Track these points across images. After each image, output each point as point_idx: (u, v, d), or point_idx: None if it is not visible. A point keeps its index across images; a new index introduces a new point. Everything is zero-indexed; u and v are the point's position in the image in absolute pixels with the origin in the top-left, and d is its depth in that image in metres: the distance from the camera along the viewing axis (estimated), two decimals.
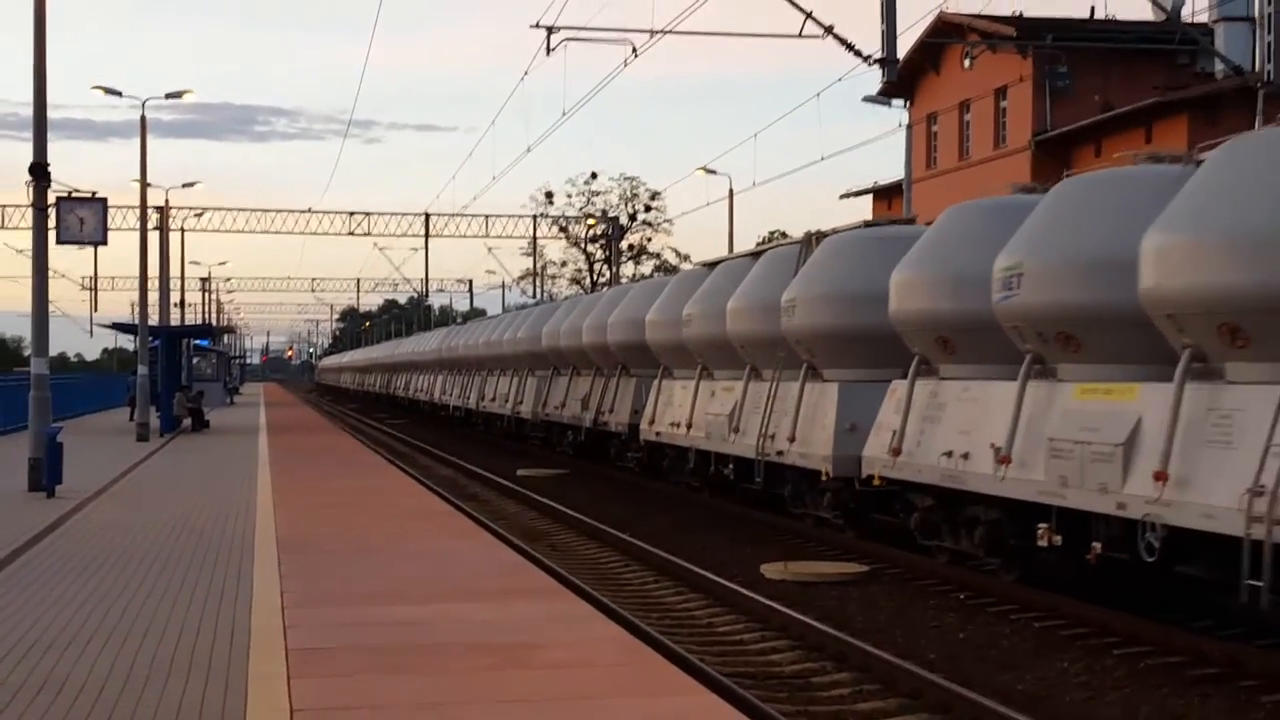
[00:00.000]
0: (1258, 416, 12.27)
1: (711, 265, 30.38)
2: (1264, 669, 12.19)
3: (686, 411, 27.95)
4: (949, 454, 17.32)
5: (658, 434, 29.94)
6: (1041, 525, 15.50)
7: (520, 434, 47.57)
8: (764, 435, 23.27)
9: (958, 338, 18.15)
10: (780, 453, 22.65)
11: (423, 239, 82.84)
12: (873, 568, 18.66)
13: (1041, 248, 16.06)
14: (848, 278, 21.61)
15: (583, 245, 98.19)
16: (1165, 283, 13.72)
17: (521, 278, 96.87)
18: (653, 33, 35.95)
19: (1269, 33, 27.46)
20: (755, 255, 27.77)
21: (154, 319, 49.55)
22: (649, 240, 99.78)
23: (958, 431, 17.39)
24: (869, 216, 56.64)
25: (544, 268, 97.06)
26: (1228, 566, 12.48)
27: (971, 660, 13.31)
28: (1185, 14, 41.54)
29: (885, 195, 57.24)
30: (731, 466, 25.43)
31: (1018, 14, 43.26)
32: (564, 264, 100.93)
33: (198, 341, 66.99)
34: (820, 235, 23.92)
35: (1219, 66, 37.98)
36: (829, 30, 31.55)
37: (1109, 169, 17.47)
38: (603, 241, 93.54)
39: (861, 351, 21.36)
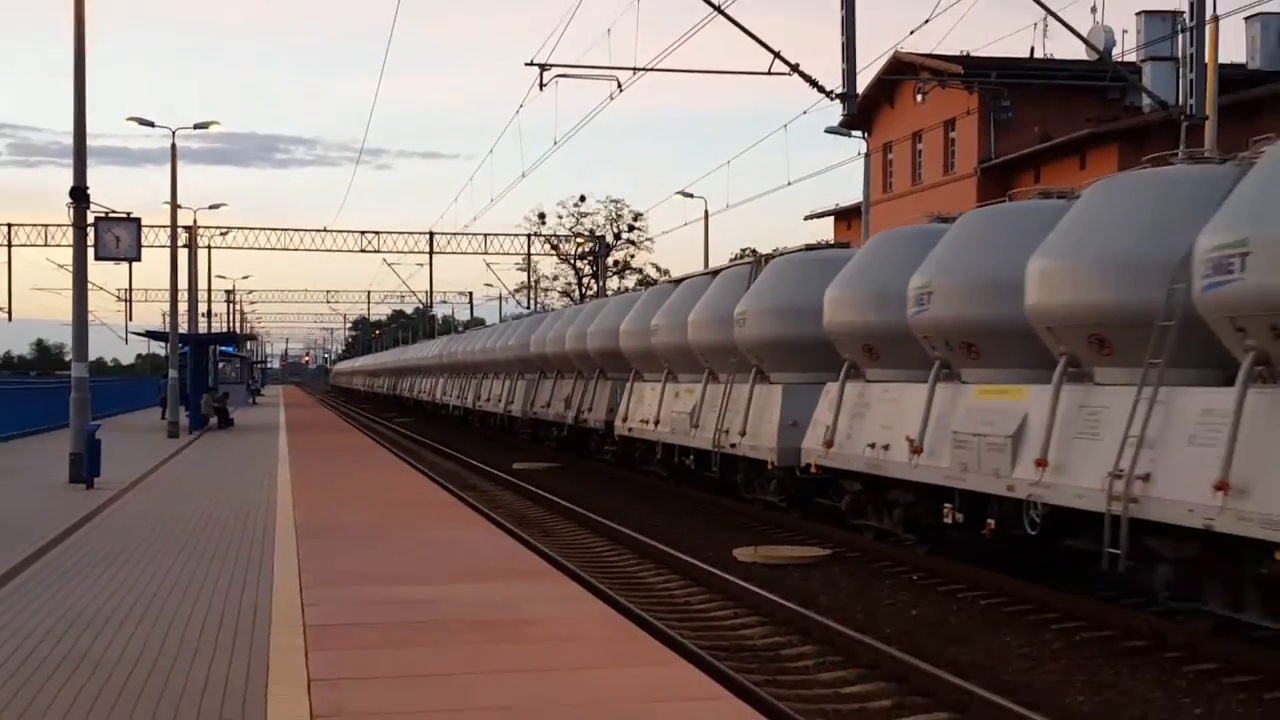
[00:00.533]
0: (1119, 413, 13.31)
1: (676, 282, 31.52)
2: (1184, 642, 12.30)
3: (654, 410, 28.90)
4: (873, 446, 18.32)
5: (630, 429, 30.85)
6: (947, 505, 16.58)
7: (512, 430, 48.01)
8: (719, 430, 24.27)
9: (880, 346, 19.30)
10: (733, 445, 23.62)
11: (427, 255, 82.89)
12: (834, 551, 18.76)
13: (948, 270, 17.08)
14: (790, 294, 22.69)
15: (572, 261, 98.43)
16: (1046, 300, 14.80)
17: (517, 290, 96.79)
18: (635, 70, 36.15)
19: (1190, 71, 27.69)
20: (713, 274, 28.72)
21: (183, 327, 49.32)
22: (632, 257, 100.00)
23: (880, 426, 18.38)
24: (831, 236, 56.81)
25: (537, 282, 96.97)
26: (1096, 538, 13.36)
27: (924, 634, 13.39)
28: (1116, 54, 41.66)
29: (845, 216, 57.27)
30: (692, 457, 26.55)
31: (965, 53, 43.36)
32: (555, 278, 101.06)
33: (223, 348, 66.75)
34: (768, 257, 25.31)
35: (1146, 101, 38.12)
36: (795, 68, 31.70)
37: (1003, 204, 18.42)
38: (590, 258, 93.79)
39: (801, 358, 22.38)
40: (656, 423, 28.55)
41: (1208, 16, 28.18)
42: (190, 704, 8.20)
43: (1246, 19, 45.45)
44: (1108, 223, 14.48)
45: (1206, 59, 27.46)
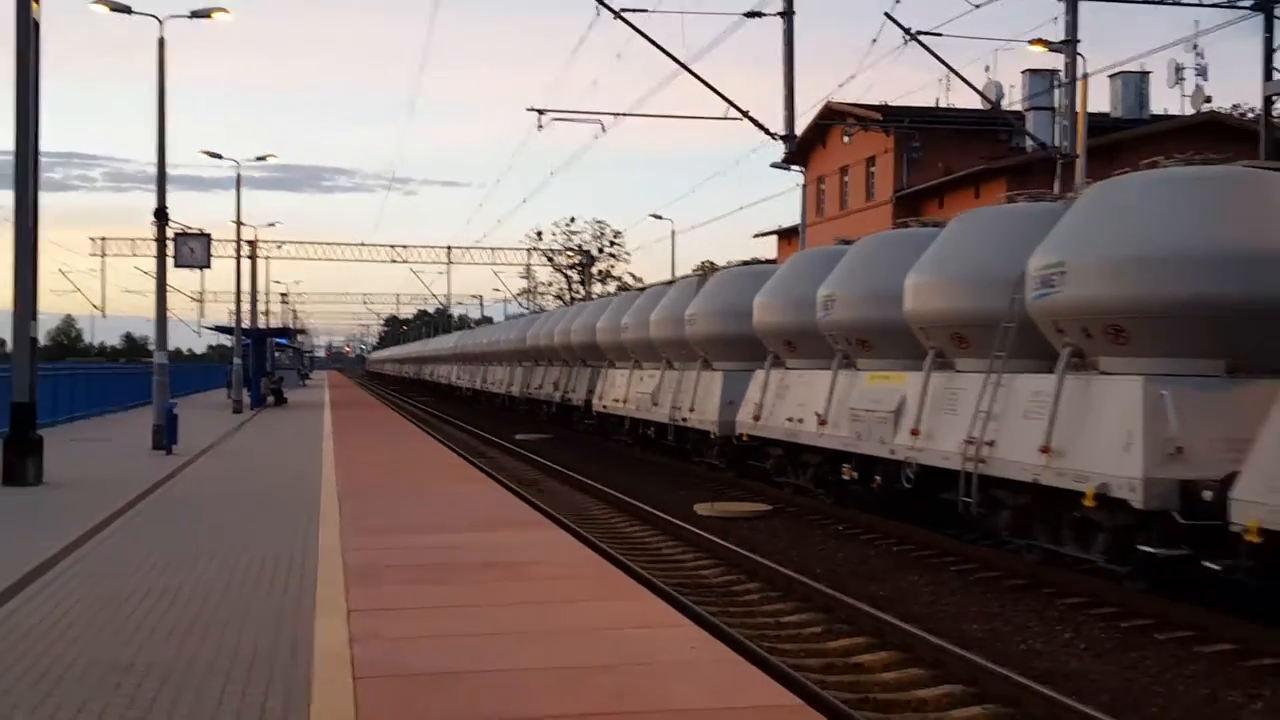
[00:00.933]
0: (973, 393, 14.05)
1: (642, 290, 32.99)
2: (1058, 580, 12.34)
3: (624, 391, 29.82)
4: (790, 419, 19.11)
5: (604, 406, 31.74)
6: (846, 465, 17.34)
7: (512, 407, 48.56)
8: (674, 407, 25.25)
9: (796, 341, 20.13)
10: (684, 419, 24.54)
11: (446, 265, 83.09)
12: (775, 507, 18.78)
13: (847, 282, 18.03)
14: (729, 300, 23.56)
15: (564, 270, 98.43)
16: (920, 307, 15.59)
17: (519, 294, 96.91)
18: (616, 115, 36.37)
19: (1064, 119, 27.91)
20: (670, 283, 29.91)
21: (246, 323, 49.14)
22: (612, 267, 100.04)
23: (796, 404, 19.17)
24: (775, 252, 56.78)
25: (535, 287, 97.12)
26: (955, 490, 14.00)
27: (847, 574, 13.42)
28: (1005, 104, 41.75)
29: (787, 235, 57.20)
30: (653, 429, 27.42)
31: (883, 103, 43.36)
32: (550, 284, 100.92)
33: (278, 340, 66.44)
34: (712, 271, 26.74)
35: (1029, 143, 38.26)
36: (745, 114, 31.76)
37: (888, 231, 20.12)
38: (578, 268, 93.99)
39: (737, 350, 23.14)
40: (625, 401, 29.39)
41: (1078, 75, 28.35)
42: (251, 629, 8.19)
43: (1110, 77, 45.64)
44: (965, 247, 15.26)
45: (1077, 109, 27.58)
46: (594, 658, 7.41)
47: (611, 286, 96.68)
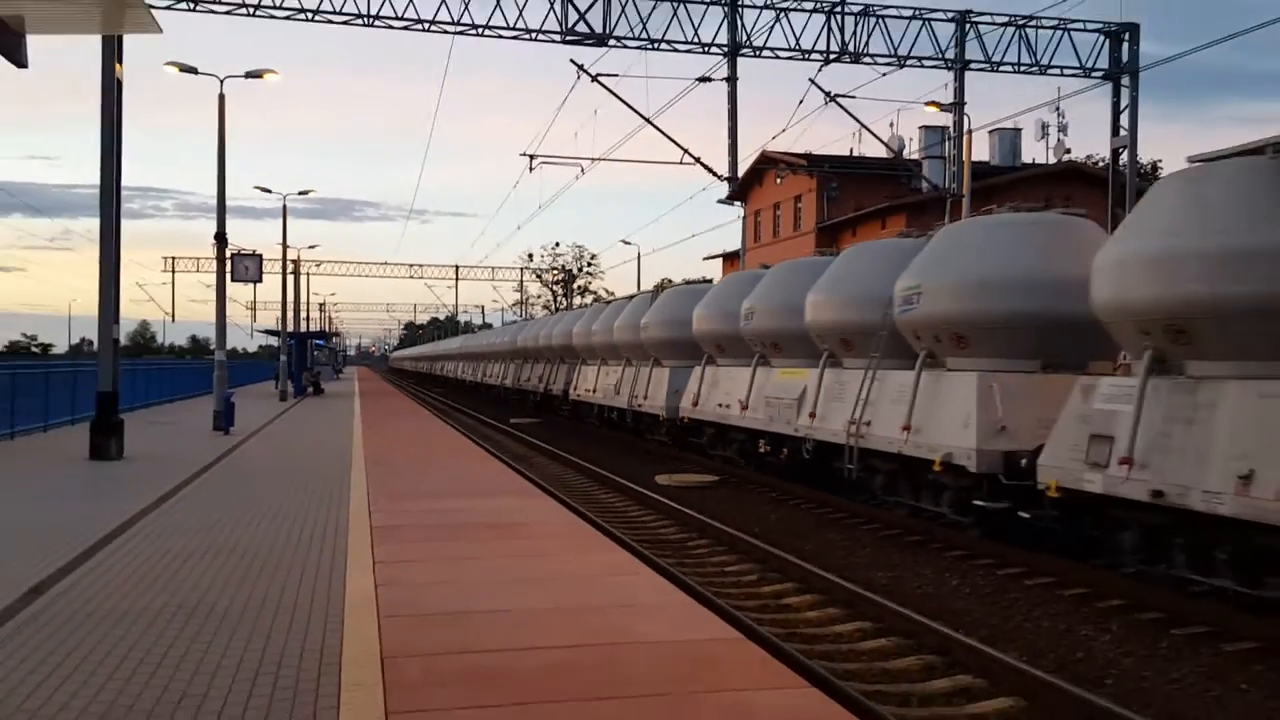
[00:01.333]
0: (855, 385, 14.94)
1: (607, 303, 33.44)
2: (947, 539, 12.43)
3: (593, 383, 30.28)
4: (720, 405, 19.92)
5: (578, 395, 32.20)
6: (762, 441, 18.08)
7: (505, 397, 48.58)
8: (632, 396, 25.87)
9: (726, 345, 20.71)
10: (640, 405, 25.28)
11: (454, 281, 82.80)
12: (722, 478, 18.80)
13: (764, 299, 18.82)
14: (674, 312, 24.33)
15: (550, 286, 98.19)
16: (817, 319, 16.36)
17: (513, 305, 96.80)
18: (594, 159, 36.42)
19: (953, 166, 28.09)
20: (630, 299, 30.22)
21: (290, 327, 48.73)
22: (590, 283, 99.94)
23: (725, 394, 19.88)
24: (721, 272, 56.78)
25: (526, 299, 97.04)
26: (841, 460, 14.91)
27: (779, 532, 13.46)
28: (906, 153, 42.00)
29: (730, 258, 57.36)
30: (615, 413, 28.08)
31: (808, 152, 43.55)
32: (539, 297, 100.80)
33: (317, 341, 65.76)
34: (662, 288, 27.19)
35: (925, 185, 38.51)
36: (697, 160, 31.85)
37: (797, 259, 20.89)
38: (562, 284, 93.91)
39: (681, 351, 23.85)
40: (594, 391, 29.84)
41: (964, 131, 28.54)
42: (294, 577, 8.15)
43: (989, 132, 46.01)
44: (851, 273, 15.98)
45: (963, 158, 27.78)
46: (578, 600, 7.42)
47: (589, 299, 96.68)
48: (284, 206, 48.18)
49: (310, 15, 28.31)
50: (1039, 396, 11.79)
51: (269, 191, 46.86)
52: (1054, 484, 10.36)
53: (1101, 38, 31.98)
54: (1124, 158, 31.31)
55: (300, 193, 49.02)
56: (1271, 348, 8.91)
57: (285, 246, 47.13)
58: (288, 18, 28.34)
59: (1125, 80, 31.65)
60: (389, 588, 7.71)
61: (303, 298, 64.93)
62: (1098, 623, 8.96)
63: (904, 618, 8.74)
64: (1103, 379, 10.48)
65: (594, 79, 30.53)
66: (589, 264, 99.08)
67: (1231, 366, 9.12)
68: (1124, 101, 31.65)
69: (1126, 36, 31.95)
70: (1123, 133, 31.38)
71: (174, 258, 74.25)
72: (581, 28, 29.58)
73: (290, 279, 49.63)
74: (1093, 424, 10.05)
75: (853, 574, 10.75)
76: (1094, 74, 31.95)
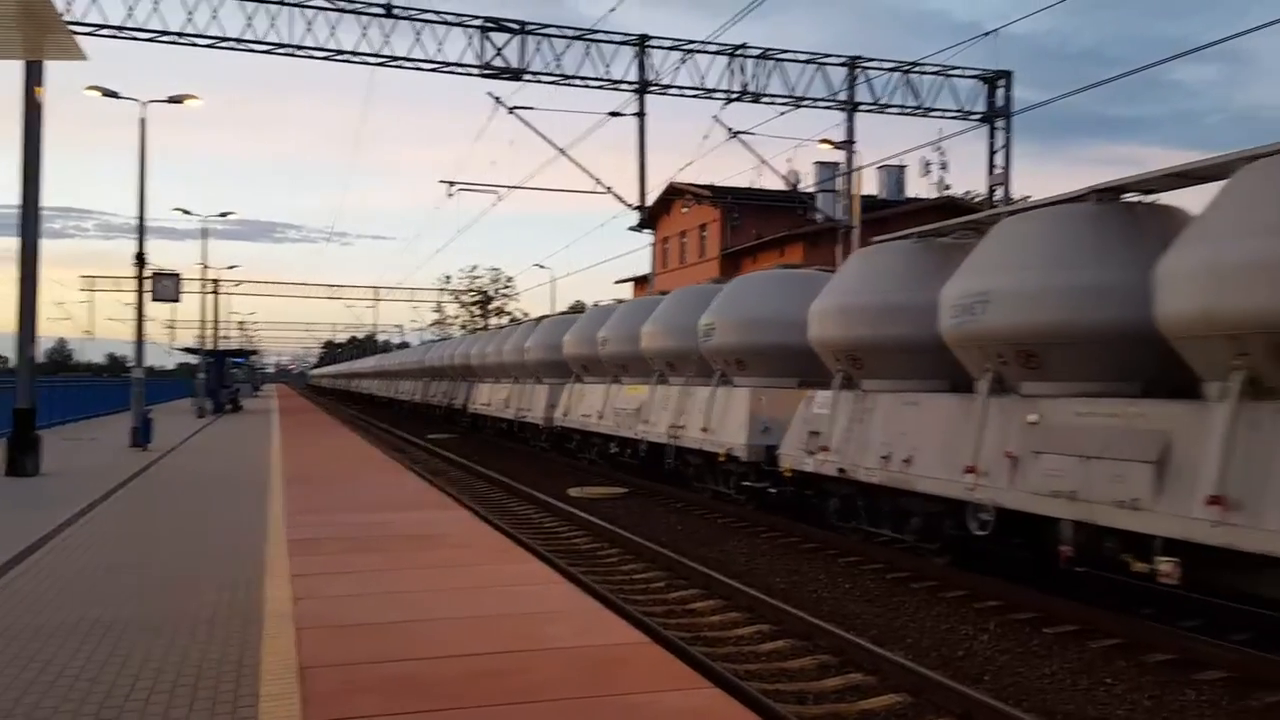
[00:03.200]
0: (674, 398, 17.79)
1: (517, 324, 34.76)
2: (838, 544, 12.64)
3: (487, 398, 32.13)
4: (583, 415, 22.24)
5: (475, 408, 33.94)
6: (612, 444, 20.66)
7: (414, 413, 48.64)
8: (518, 408, 27.86)
9: (589, 366, 22.93)
10: (524, 416, 27.29)
11: (374, 301, 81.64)
12: (630, 490, 18.83)
13: (614, 329, 21.19)
14: (549, 338, 26.55)
15: (468, 307, 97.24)
16: (649, 346, 19.01)
17: (430, 325, 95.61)
18: (510, 187, 36.41)
19: (845, 199, 28.74)
20: (539, 320, 30.81)
21: (209, 345, 47.38)
22: (506, 305, 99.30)
23: (587, 405, 22.25)
24: (631, 295, 56.94)
25: (444, 320, 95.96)
26: (698, 463, 17.07)
27: (685, 541, 13.53)
28: (803, 186, 42.78)
29: (640, 282, 57.56)
30: (505, 423, 29.78)
31: (712, 184, 44.07)
32: (457, 318, 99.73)
33: (235, 359, 64.06)
34: (577, 309, 29.47)
35: (820, 216, 39.27)
36: (609, 189, 32.00)
37: (692, 285, 21.60)
38: (478, 305, 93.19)
39: (556, 371, 25.97)
40: (489, 405, 31.61)
41: (854, 168, 29.23)
42: (212, 590, 7.89)
43: (878, 168, 47.21)
44: (675, 309, 18.70)
45: (853, 192, 28.45)
46: (492, 608, 7.33)
47: (505, 320, 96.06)
48: (204, 228, 47.50)
49: (234, 43, 27.70)
50: (792, 405, 14.25)
51: (189, 213, 45.38)
52: (788, 466, 13.49)
53: (979, 83, 33.10)
54: (1000, 193, 32.43)
55: (221, 214, 47.80)
56: (912, 371, 11.77)
57: (205, 266, 45.97)
58: (210, 45, 27.68)
59: (1000, 123, 32.80)
60: (307, 600, 7.52)
61: (222, 317, 63.29)
62: (976, 622, 9.19)
63: (800, 620, 8.84)
64: (817, 392, 13.35)
65: (510, 110, 30.45)
66: (505, 287, 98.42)
67: (887, 383, 12.15)
68: (1000, 142, 32.80)
69: (1001, 83, 33.13)
70: (997, 170, 32.51)
71: (94, 277, 71.79)
72: (499, 62, 29.51)
73: (209, 298, 48.28)
74: (810, 424, 13.19)
75: (753, 579, 10.85)
76: (971, 117, 33.05)
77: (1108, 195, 9.31)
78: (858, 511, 12.43)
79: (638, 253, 60.26)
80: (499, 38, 29.48)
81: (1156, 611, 9.03)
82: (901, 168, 47.81)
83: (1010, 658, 8.16)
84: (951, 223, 11.89)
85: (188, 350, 58.38)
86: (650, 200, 33.66)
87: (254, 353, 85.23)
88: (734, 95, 31.30)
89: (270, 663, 5.90)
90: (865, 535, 12.34)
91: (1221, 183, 7.91)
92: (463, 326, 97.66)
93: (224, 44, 27.58)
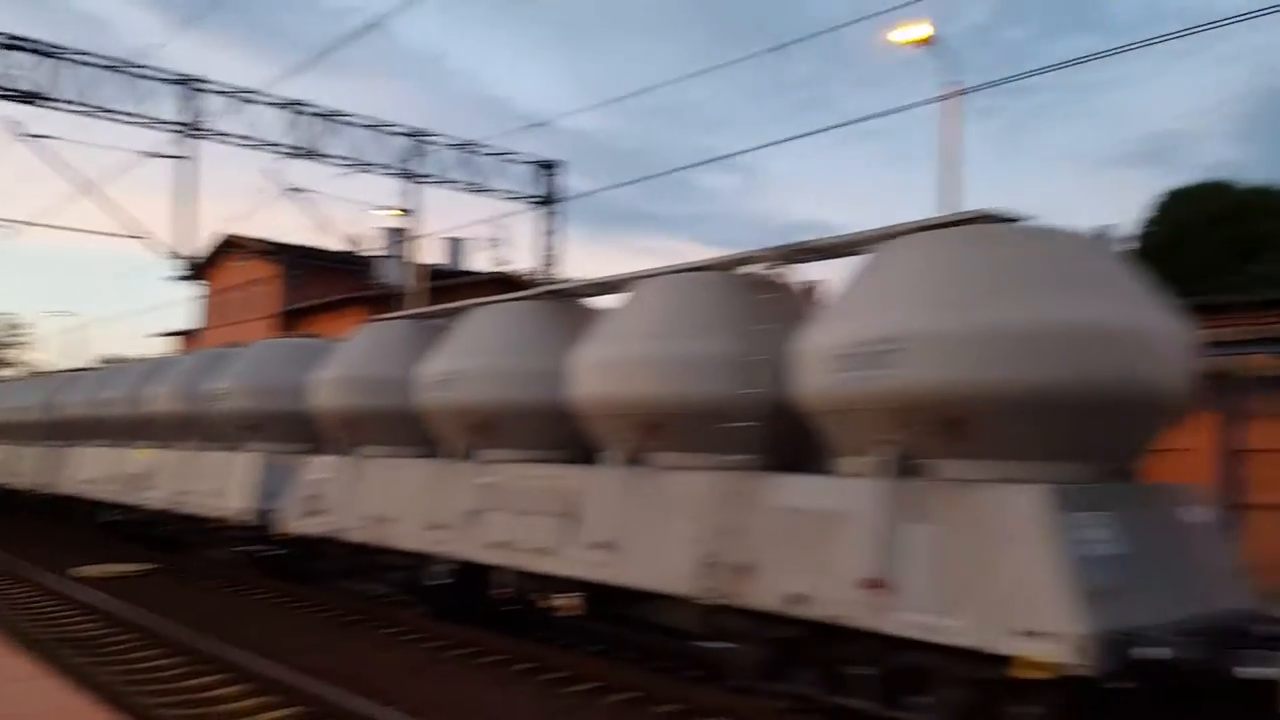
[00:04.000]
0: (192, 463, 16.93)
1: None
2: (382, 615, 12.26)
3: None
4: (82, 480, 20.84)
5: None
6: (115, 509, 19.36)
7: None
8: (9, 473, 25.32)
9: (91, 428, 21.45)
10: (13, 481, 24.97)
11: None
12: (158, 566, 16.91)
13: (242, 378, 16.21)
14: (30, 399, 25.37)
15: None
16: (225, 405, 15.98)
17: None
18: (25, 223, 31.96)
19: (403, 265, 28.94)
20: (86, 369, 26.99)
21: None
22: (20, 354, 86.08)
23: (90, 469, 20.76)
24: (176, 349, 52.07)
25: None
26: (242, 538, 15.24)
27: (216, 620, 12.32)
28: (365, 249, 42.16)
29: (191, 335, 52.82)
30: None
31: (273, 239, 41.98)
32: None
33: None
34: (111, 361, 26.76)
35: (383, 279, 38.86)
36: (148, 236, 29.31)
37: (283, 339, 18.18)
38: None
39: (49, 432, 23.96)
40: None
41: (413, 236, 29.56)
42: None
43: (442, 238, 47.96)
44: (264, 364, 15.77)
45: (413, 259, 28.66)
46: None
47: (13, 371, 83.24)
48: None
49: None
50: (295, 473, 14.05)
51: None
52: (284, 528, 13.72)
53: (536, 168, 34.96)
54: (553, 271, 34.35)
55: None
56: (400, 438, 12.54)
57: None
58: None
59: (554, 206, 34.85)
60: None
61: None
62: (509, 686, 9.32)
63: (337, 704, 8.38)
64: (315, 458, 13.64)
65: (32, 137, 26.85)
66: (14, 335, 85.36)
67: (378, 450, 12.90)
68: (553, 225, 34.80)
69: (554, 171, 35.27)
70: (550, 252, 34.47)
71: None
72: (25, 84, 25.91)
73: None
74: (304, 489, 13.47)
75: (295, 659, 10.12)
76: (528, 199, 34.78)
77: (554, 294, 11.40)
78: (352, 570, 12.98)
79: (182, 303, 55.10)
80: (19, 57, 25.87)
81: (573, 640, 11.07)
82: (460, 241, 48.95)
83: (545, 716, 8.35)
84: (437, 308, 13.33)
85: None
86: (203, 249, 31.30)
87: None
88: (296, 151, 30.19)
89: None
90: (358, 592, 12.94)
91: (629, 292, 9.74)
92: None
93: None
